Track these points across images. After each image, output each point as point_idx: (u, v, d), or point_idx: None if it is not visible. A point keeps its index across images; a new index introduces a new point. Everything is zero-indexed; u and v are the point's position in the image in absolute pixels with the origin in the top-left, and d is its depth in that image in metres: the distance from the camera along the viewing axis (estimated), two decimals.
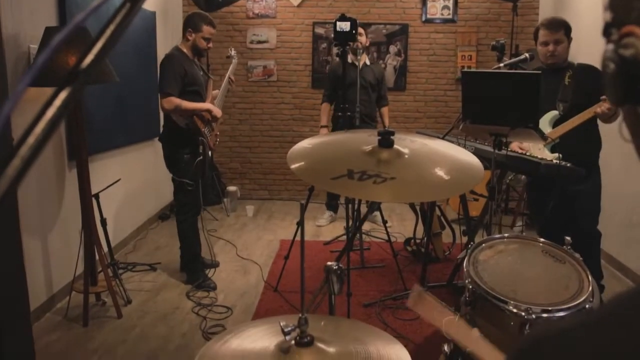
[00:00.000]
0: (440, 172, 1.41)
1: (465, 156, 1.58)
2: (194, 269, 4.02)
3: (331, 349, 1.15)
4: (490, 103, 2.82)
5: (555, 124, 3.15)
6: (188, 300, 3.73)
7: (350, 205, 3.63)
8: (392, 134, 1.49)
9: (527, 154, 3.13)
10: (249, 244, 4.97)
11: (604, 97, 2.86)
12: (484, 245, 1.60)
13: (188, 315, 3.53)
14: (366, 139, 1.61)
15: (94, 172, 3.59)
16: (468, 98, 2.95)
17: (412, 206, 4.78)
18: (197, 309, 3.59)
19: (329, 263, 1.44)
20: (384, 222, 4.41)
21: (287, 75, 6.49)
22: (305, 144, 1.70)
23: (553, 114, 3.16)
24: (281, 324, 1.09)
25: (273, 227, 5.55)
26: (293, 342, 1.11)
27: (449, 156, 1.55)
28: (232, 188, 6.27)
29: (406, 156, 1.49)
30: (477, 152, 3.23)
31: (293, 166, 1.59)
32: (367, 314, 3.58)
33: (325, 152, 1.63)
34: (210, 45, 3.89)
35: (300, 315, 1.11)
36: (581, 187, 3.12)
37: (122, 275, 3.88)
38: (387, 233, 4.34)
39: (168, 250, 4.67)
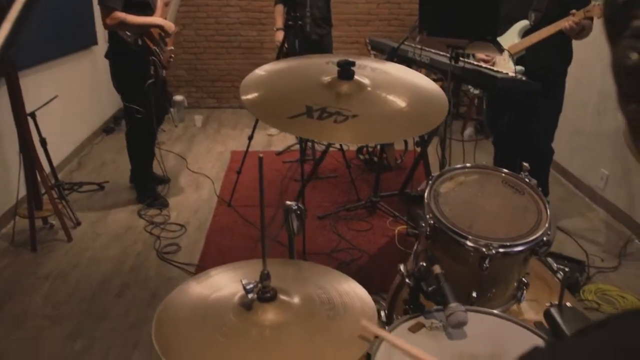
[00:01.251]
0: (405, 108, 1.34)
1: (427, 85, 1.51)
2: (145, 186, 3.89)
3: (295, 300, 1.12)
4: (449, 14, 2.71)
5: (525, 34, 3.04)
6: (140, 219, 3.65)
7: None
8: (353, 64, 1.39)
9: (490, 66, 3.05)
10: (199, 157, 4.86)
11: (573, 11, 2.77)
12: (444, 176, 1.58)
13: (141, 234, 3.47)
14: (324, 67, 1.50)
15: (27, 88, 3.32)
16: (425, 8, 2.82)
17: None
18: (150, 228, 3.53)
19: (288, 202, 1.39)
20: None
21: None
22: (260, 71, 1.57)
23: (523, 23, 3.03)
24: (243, 281, 1.05)
25: (223, 138, 5.42)
26: (256, 296, 1.07)
27: (411, 86, 1.47)
28: (178, 97, 6.02)
29: (368, 88, 1.40)
30: (432, 64, 3.18)
31: (245, 97, 1.48)
32: (321, 226, 3.61)
33: (281, 82, 1.51)
34: None
35: (262, 270, 1.07)
36: (541, 102, 3.07)
37: (69, 197, 3.74)
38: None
39: (115, 166, 4.50)
